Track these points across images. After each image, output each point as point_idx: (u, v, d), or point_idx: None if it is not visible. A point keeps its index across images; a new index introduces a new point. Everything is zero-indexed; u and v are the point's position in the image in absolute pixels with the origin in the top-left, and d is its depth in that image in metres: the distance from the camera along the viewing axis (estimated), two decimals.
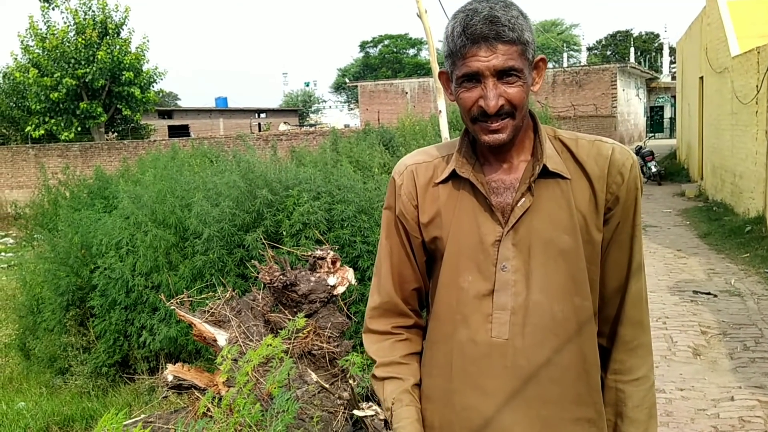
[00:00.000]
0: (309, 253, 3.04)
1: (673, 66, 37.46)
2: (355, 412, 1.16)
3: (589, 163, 1.40)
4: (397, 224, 1.50)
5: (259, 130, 38.42)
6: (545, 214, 1.38)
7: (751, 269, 7.93)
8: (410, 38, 57.23)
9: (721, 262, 8.49)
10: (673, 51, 33.15)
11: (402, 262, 1.51)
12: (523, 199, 1.38)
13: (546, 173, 1.38)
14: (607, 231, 1.42)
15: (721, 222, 11.05)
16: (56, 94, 24.66)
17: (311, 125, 44.13)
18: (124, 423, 2.41)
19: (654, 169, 17.42)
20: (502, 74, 1.31)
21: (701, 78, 15.38)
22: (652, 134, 36.33)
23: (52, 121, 25.69)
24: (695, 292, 7.03)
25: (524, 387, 1.37)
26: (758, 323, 5.88)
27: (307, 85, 67.40)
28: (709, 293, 6.90)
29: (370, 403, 1.19)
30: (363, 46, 59.52)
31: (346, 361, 2.72)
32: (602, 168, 1.39)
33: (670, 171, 18.91)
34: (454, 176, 1.44)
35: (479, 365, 1.39)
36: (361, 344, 1.64)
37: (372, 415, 1.20)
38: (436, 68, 5.43)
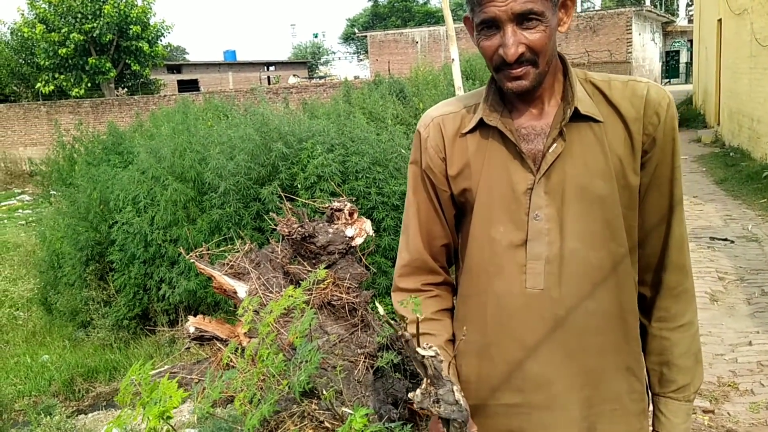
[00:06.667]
0: (326, 205, 3.03)
1: (690, 8, 36.48)
2: (418, 350, 1.14)
3: (623, 104, 1.33)
4: (424, 179, 1.45)
5: (269, 83, 38.09)
6: (578, 159, 1.32)
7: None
8: None
9: (737, 207, 8.41)
10: None
11: (430, 218, 1.46)
12: (555, 145, 1.32)
13: (578, 117, 1.32)
14: (645, 175, 1.37)
15: (738, 167, 10.91)
16: (64, 50, 24.51)
17: (321, 77, 43.67)
18: (150, 373, 2.45)
19: None
20: (522, 19, 1.23)
21: (719, 20, 14.96)
22: (668, 80, 35.63)
23: (62, 77, 25.60)
24: (712, 238, 6.98)
25: (564, 338, 1.33)
26: None
27: (316, 36, 66.65)
28: (726, 239, 6.85)
29: (431, 344, 1.17)
30: None
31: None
32: (638, 109, 1.33)
33: (686, 117, 18.58)
34: (482, 125, 1.38)
35: (516, 317, 1.35)
36: (380, 294, 1.62)
37: (433, 356, 1.17)
38: (448, 14, 5.28)
